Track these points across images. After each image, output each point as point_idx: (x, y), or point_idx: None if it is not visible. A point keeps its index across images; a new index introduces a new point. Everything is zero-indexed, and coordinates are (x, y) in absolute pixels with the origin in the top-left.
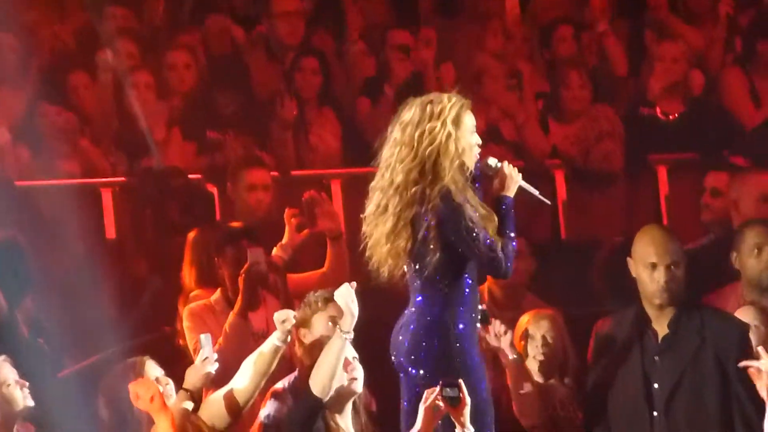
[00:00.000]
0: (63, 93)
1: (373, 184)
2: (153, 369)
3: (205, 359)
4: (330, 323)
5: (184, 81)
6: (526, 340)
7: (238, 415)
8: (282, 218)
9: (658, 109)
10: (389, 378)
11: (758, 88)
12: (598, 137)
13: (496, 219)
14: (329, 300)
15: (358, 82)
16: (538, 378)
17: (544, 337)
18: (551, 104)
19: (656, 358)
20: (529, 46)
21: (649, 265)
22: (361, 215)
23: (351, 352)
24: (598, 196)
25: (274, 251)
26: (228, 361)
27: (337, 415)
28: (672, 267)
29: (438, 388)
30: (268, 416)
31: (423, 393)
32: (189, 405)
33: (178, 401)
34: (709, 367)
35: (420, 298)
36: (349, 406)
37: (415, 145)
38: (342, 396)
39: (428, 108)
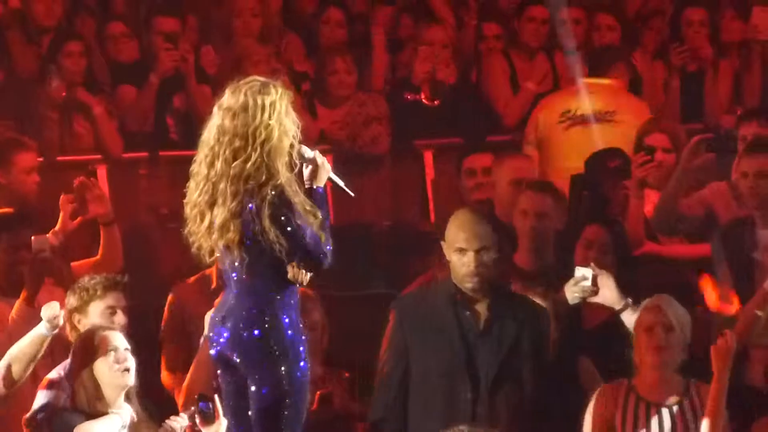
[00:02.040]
0: None
1: (195, 168)
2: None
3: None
4: (108, 312)
5: None
6: None
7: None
8: (47, 204)
9: (422, 95)
10: None
11: (518, 71)
12: (366, 122)
13: (319, 214)
14: (108, 288)
15: (121, 68)
16: None
17: None
18: (317, 89)
19: (478, 341)
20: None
21: (458, 250)
22: (184, 200)
23: (123, 344)
24: (367, 180)
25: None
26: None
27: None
28: (481, 252)
29: (194, 402)
30: (43, 405)
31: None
32: None
33: None
34: (527, 349)
35: (243, 291)
36: (120, 401)
37: (250, 139)
38: (113, 388)
39: (259, 100)
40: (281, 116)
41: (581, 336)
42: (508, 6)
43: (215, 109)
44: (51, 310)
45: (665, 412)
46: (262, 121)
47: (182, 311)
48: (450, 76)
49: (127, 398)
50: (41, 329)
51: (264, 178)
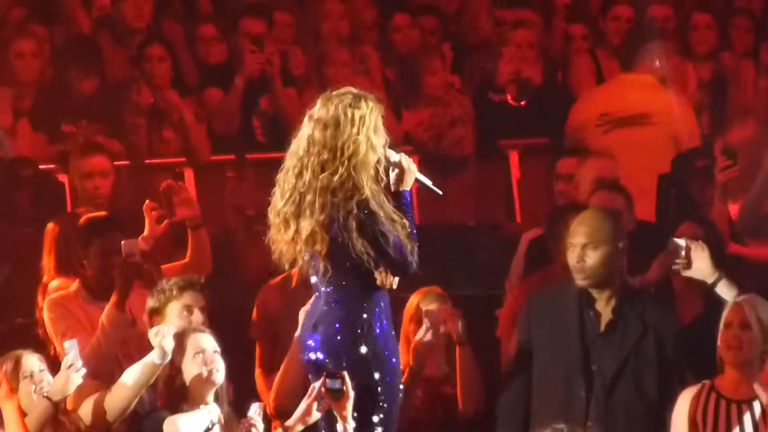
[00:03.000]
0: None
1: (282, 177)
2: (31, 362)
3: (70, 367)
4: (185, 312)
5: (31, 70)
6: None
7: (103, 423)
8: (138, 208)
9: (508, 96)
10: None
11: (604, 71)
12: (451, 123)
13: (407, 224)
14: (184, 288)
15: (209, 70)
16: None
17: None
18: (404, 90)
19: (597, 340)
20: (375, 31)
21: (569, 245)
22: (269, 208)
23: (212, 345)
24: (451, 182)
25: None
26: (106, 353)
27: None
28: (586, 247)
29: (321, 381)
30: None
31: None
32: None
33: (37, 407)
34: (651, 356)
35: (333, 299)
36: (210, 400)
37: (338, 153)
38: (202, 388)
39: (349, 113)
40: (369, 131)
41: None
42: (594, 6)
43: (306, 119)
44: (155, 331)
45: (746, 409)
46: (350, 135)
47: (267, 311)
48: (536, 76)
49: (216, 399)
50: (152, 357)
51: (349, 192)
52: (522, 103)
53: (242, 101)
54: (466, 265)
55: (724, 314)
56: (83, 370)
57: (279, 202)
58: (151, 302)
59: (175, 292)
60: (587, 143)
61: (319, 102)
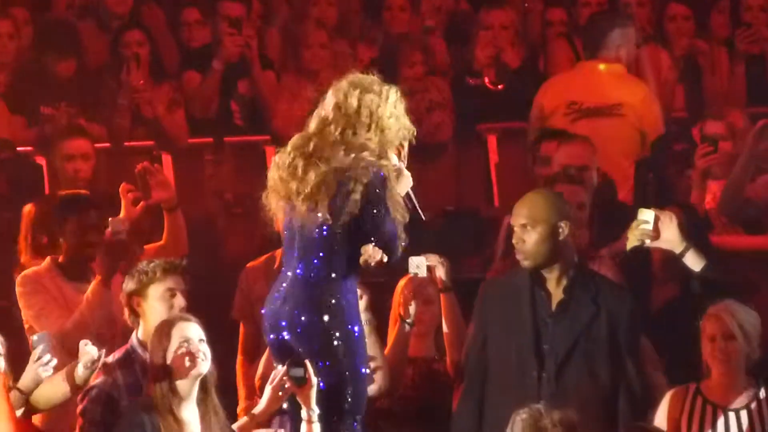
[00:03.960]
0: None
1: (296, 137)
2: None
3: (37, 360)
4: (168, 294)
5: (7, 51)
6: None
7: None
8: (115, 190)
9: (486, 79)
10: None
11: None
12: (429, 108)
13: (406, 215)
14: (168, 271)
15: (191, 54)
16: None
17: None
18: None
19: (549, 320)
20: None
21: (513, 227)
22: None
23: (198, 334)
24: (430, 167)
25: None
26: (90, 329)
27: (175, 400)
28: (524, 228)
29: (284, 368)
30: (93, 388)
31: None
32: (19, 410)
33: (12, 398)
34: (602, 336)
35: (303, 263)
36: (194, 391)
37: (374, 116)
38: (185, 378)
39: (384, 91)
40: (401, 114)
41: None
42: None
43: (333, 90)
44: (89, 355)
45: (732, 414)
46: (386, 108)
47: (250, 293)
48: (514, 60)
49: (204, 390)
50: (78, 370)
51: (374, 155)
52: (500, 87)
53: (220, 85)
54: (446, 249)
55: (702, 325)
56: (53, 362)
57: (289, 152)
58: (131, 284)
59: (158, 274)
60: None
61: (350, 77)
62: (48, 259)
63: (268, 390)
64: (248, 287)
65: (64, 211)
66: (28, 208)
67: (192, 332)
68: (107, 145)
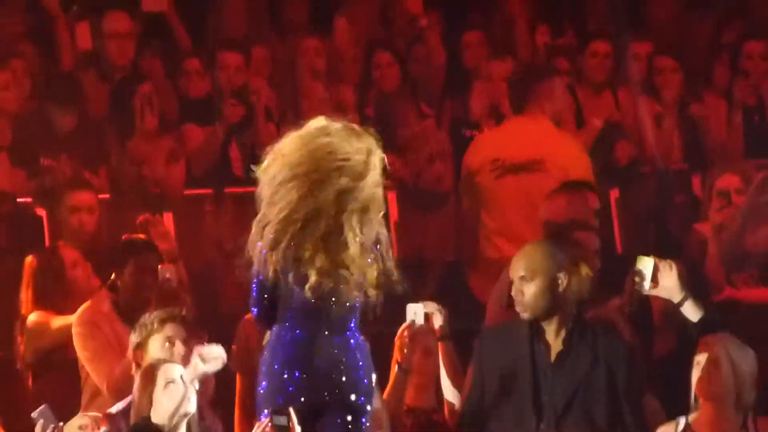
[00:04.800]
0: None
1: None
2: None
3: None
4: (167, 344)
5: (7, 101)
6: None
7: None
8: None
9: (485, 129)
10: None
11: (582, 106)
12: (430, 159)
13: None
14: (165, 320)
15: (189, 104)
16: None
17: None
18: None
19: (548, 372)
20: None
21: (511, 279)
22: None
23: (178, 372)
24: (431, 217)
25: None
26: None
27: None
28: (523, 279)
29: (267, 419)
30: None
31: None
32: None
33: None
34: (601, 386)
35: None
36: (182, 428)
37: None
38: (174, 417)
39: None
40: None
41: (649, 367)
42: (574, 42)
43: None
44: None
45: None
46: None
47: (248, 343)
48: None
49: (189, 430)
50: None
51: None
52: None
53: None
54: (446, 300)
55: (696, 352)
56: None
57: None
58: (133, 337)
59: (156, 325)
60: (481, 187)
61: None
62: (106, 297)
63: None
64: (246, 338)
65: (125, 252)
66: (29, 260)
67: (176, 373)
68: (107, 196)
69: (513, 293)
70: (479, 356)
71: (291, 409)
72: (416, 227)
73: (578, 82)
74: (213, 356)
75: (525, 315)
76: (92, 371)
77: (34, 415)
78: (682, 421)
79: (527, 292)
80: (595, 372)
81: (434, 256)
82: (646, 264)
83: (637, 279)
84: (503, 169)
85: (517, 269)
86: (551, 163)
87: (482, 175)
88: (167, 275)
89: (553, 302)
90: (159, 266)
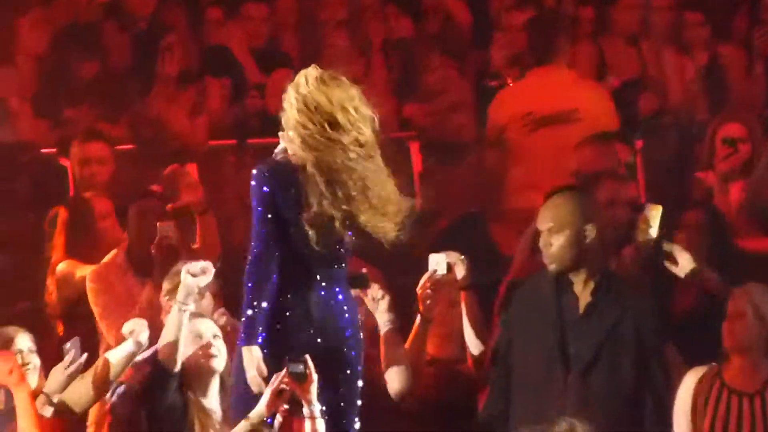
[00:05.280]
0: None
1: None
2: (23, 341)
3: (69, 365)
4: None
5: (29, 50)
6: None
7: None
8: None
9: (509, 80)
10: None
11: (607, 57)
12: (451, 107)
13: None
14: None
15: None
16: None
17: None
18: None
19: (575, 323)
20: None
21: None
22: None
23: (211, 330)
24: (453, 168)
25: None
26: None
27: (198, 392)
28: (550, 231)
29: (285, 369)
30: (122, 385)
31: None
32: (48, 411)
33: (38, 403)
34: (628, 339)
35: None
36: (214, 385)
37: None
38: (201, 374)
39: None
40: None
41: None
42: None
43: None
44: (130, 325)
45: (745, 399)
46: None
47: None
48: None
49: (222, 388)
50: (129, 347)
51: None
52: None
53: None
54: (470, 252)
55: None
56: (81, 360)
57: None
58: (166, 284)
59: None
60: (512, 141)
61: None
62: (122, 249)
63: (267, 392)
64: None
65: (127, 200)
66: (60, 210)
67: (204, 327)
68: (131, 147)
69: (541, 244)
70: (506, 306)
71: (307, 357)
72: (439, 178)
73: (602, 33)
74: (200, 269)
75: (552, 267)
76: (103, 327)
77: (66, 345)
78: (713, 366)
79: (555, 243)
80: (623, 324)
81: (457, 207)
82: (653, 212)
83: (642, 226)
84: (536, 122)
85: (544, 221)
86: (584, 112)
87: (512, 130)
88: (169, 233)
89: (581, 254)
90: (158, 224)
